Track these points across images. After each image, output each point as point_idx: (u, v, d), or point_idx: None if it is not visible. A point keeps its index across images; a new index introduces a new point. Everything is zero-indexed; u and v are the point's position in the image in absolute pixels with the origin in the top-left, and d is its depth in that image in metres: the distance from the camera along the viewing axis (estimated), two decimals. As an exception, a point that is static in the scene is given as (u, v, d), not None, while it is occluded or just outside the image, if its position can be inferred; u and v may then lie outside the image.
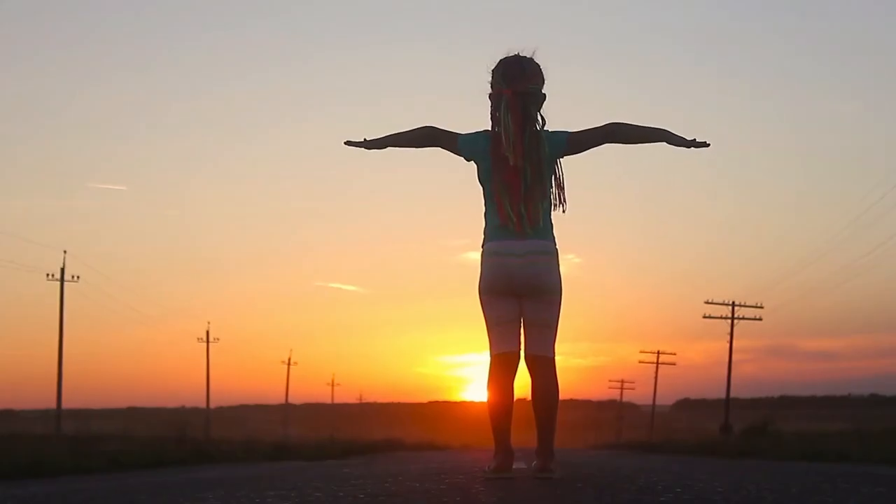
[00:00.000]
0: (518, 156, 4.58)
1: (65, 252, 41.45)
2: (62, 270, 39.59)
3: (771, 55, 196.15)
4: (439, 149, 4.83)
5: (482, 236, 4.75)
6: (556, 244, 4.71)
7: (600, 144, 4.69)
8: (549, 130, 4.68)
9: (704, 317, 45.90)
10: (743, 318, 45.47)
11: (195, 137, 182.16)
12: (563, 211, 4.73)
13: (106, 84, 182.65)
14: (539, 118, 4.67)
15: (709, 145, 4.64)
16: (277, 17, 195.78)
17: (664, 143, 4.63)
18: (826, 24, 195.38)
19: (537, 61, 4.70)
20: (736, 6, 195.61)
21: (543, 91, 4.69)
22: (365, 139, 4.90)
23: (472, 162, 4.75)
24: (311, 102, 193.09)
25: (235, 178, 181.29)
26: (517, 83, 4.63)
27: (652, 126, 4.66)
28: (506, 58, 4.70)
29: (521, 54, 4.71)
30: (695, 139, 4.62)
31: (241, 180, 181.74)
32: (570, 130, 4.70)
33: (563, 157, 4.71)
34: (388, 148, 4.92)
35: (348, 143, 4.93)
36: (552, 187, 4.69)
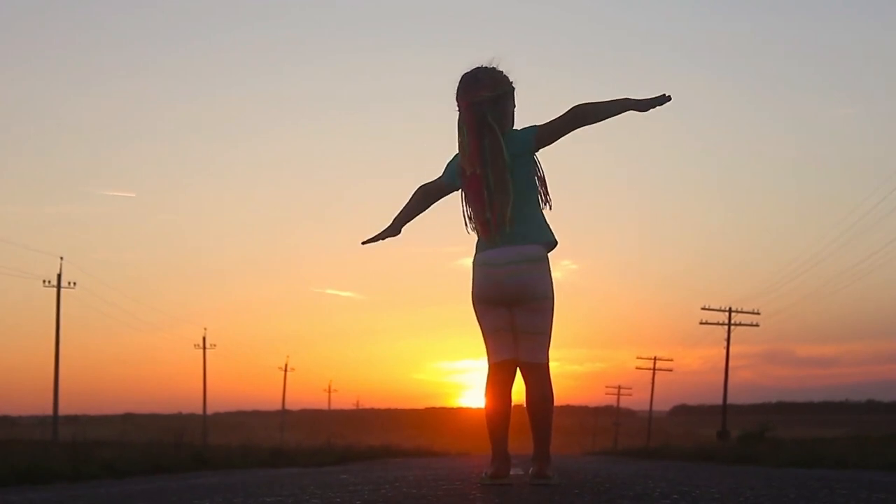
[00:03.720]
0: (476, 164, 4.63)
1: (61, 258, 41.54)
2: (59, 277, 39.60)
3: (769, 61, 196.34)
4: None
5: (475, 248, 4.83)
6: (545, 249, 4.69)
7: (571, 130, 4.66)
8: (517, 129, 4.72)
9: (701, 323, 45.95)
10: (740, 324, 45.53)
11: (192, 144, 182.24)
12: (549, 208, 4.74)
13: (104, 90, 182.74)
14: (498, 123, 4.67)
15: (670, 98, 4.59)
16: (277, 21, 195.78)
17: (632, 113, 4.60)
18: (823, 30, 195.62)
19: (500, 69, 4.74)
20: (732, 12, 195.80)
21: (508, 92, 4.70)
22: (377, 235, 5.12)
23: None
24: (308, 109, 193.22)
25: (232, 184, 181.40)
26: (470, 94, 4.69)
27: (613, 99, 4.63)
28: (465, 72, 4.77)
29: (479, 66, 4.76)
30: (654, 99, 4.59)
31: (237, 186, 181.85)
32: (537, 124, 4.71)
33: (537, 152, 4.72)
34: (405, 225, 5.11)
35: (366, 242, 5.15)
36: (537, 187, 4.70)
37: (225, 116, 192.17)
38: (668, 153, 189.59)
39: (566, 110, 4.64)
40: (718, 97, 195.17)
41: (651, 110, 4.61)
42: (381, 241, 5.14)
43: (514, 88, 4.76)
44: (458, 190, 4.83)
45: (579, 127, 4.66)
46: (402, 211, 5.09)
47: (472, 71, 4.76)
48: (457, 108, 4.76)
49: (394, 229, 5.11)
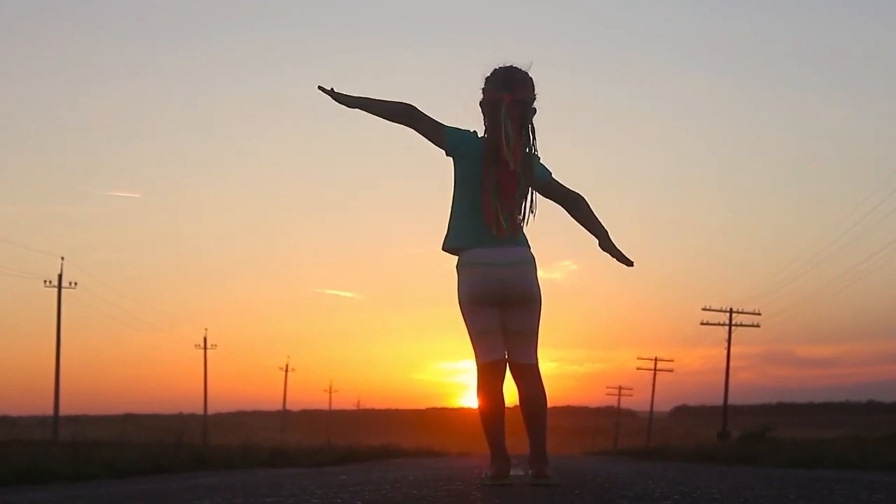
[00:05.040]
0: (518, 161, 4.60)
1: (62, 258, 41.49)
2: (59, 277, 39.55)
3: (769, 61, 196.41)
4: (416, 133, 4.71)
5: (445, 238, 4.73)
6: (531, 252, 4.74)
7: (559, 203, 4.86)
8: (538, 155, 4.75)
9: (702, 323, 45.87)
10: (741, 325, 45.45)
11: (192, 144, 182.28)
12: (524, 224, 4.74)
13: (104, 90, 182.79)
14: (531, 132, 4.70)
15: (632, 264, 4.87)
16: (277, 21, 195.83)
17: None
18: (823, 30, 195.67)
19: (531, 75, 4.73)
20: (732, 13, 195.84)
21: (534, 106, 4.73)
22: (333, 89, 4.69)
23: (451, 158, 4.73)
24: (308, 109, 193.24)
25: (232, 184, 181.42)
26: (518, 90, 4.65)
27: (599, 221, 4.86)
28: (503, 66, 4.72)
29: (515, 65, 4.73)
30: (623, 254, 4.85)
31: (237, 186, 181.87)
32: (551, 171, 4.81)
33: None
34: (357, 110, 4.72)
35: (321, 88, 4.71)
36: (529, 203, 4.71)
37: (225, 116, 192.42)
38: (668, 153, 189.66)
39: (574, 190, 4.85)
40: (718, 97, 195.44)
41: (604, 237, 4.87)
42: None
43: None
44: (446, 151, 4.70)
45: (565, 207, 4.86)
46: (373, 99, 4.70)
47: (512, 67, 4.71)
48: (483, 97, 4.68)
49: (350, 102, 4.71)
